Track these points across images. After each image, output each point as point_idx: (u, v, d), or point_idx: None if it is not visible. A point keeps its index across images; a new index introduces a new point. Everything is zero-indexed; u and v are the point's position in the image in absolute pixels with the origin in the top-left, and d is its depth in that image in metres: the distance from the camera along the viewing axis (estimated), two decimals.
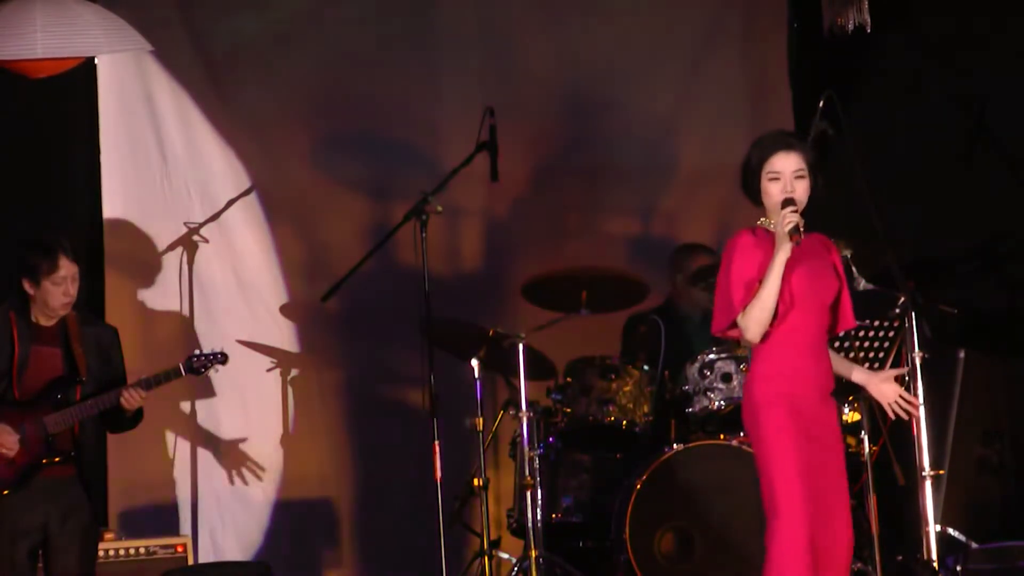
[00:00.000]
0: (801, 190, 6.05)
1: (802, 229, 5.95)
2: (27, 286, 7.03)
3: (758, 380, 6.08)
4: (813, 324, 6.04)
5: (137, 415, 7.15)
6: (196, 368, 7.21)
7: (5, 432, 6.91)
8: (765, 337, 6.02)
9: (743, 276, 6.04)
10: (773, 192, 6.05)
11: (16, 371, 6.98)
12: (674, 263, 8.73)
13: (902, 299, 7.51)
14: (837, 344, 6.28)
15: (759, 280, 5.99)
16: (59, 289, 7.00)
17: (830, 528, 5.96)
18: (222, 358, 7.26)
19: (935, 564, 7.44)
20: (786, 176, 6.04)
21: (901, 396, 6.22)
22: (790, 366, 6.01)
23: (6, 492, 6.92)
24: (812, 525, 5.91)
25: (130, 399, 6.99)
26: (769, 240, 6.05)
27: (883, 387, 6.25)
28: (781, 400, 6.00)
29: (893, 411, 6.25)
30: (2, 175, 8.66)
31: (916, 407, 6.32)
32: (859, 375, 6.29)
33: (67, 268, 7.01)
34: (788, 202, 5.99)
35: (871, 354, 7.81)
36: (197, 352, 7.26)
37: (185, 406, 8.78)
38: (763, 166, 6.06)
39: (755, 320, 6.00)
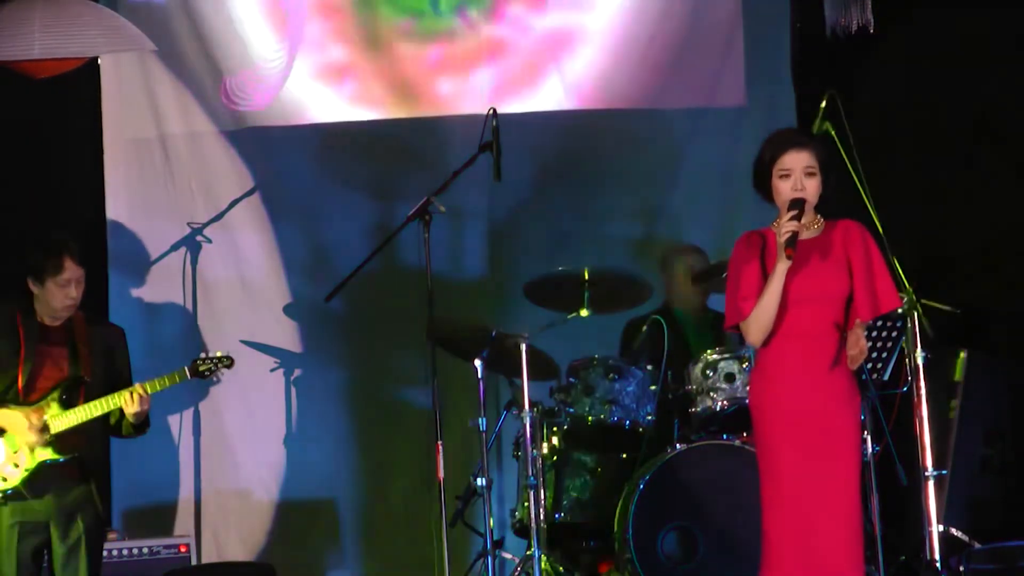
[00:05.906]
0: (811, 187, 6.04)
1: (798, 240, 5.93)
2: (31, 286, 7.02)
3: (752, 383, 6.12)
4: (813, 324, 6.01)
5: (142, 424, 7.10)
6: (202, 372, 7.20)
7: (18, 416, 6.92)
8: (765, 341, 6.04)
9: (736, 279, 6.05)
10: (783, 190, 6.04)
11: (21, 371, 6.98)
12: (661, 265, 8.77)
13: (904, 299, 7.53)
14: None
15: (753, 280, 6.00)
16: (62, 291, 6.98)
17: (824, 531, 5.93)
18: (228, 362, 7.24)
19: (938, 564, 7.45)
20: (796, 173, 6.03)
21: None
22: (785, 371, 6.00)
23: (11, 491, 6.93)
24: (802, 526, 5.91)
25: (130, 403, 6.95)
26: (768, 241, 6.06)
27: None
28: (770, 406, 6.00)
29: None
30: (4, 174, 8.66)
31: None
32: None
33: (72, 271, 6.99)
34: (794, 204, 5.98)
35: (873, 354, 7.82)
36: (202, 355, 7.24)
37: (188, 406, 8.79)
38: (774, 163, 6.06)
39: (755, 324, 6.01)
